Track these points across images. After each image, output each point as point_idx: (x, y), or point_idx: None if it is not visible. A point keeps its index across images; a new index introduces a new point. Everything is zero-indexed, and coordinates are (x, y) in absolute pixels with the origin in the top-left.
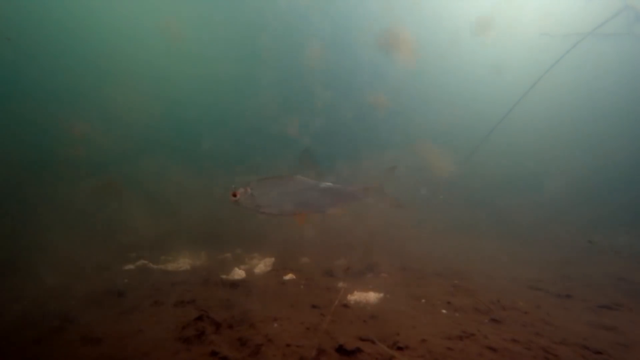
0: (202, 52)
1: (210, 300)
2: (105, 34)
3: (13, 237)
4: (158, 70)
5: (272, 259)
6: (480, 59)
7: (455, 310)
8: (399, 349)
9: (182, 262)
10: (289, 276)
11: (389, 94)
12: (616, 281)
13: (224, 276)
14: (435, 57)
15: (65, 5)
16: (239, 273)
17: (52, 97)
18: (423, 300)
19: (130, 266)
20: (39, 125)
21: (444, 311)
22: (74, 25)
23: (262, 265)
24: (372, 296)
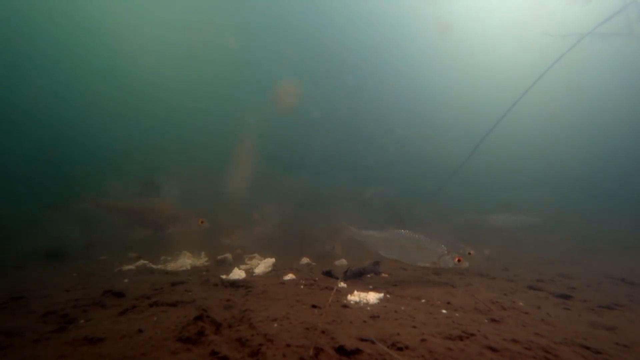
0: None
1: (210, 300)
2: None
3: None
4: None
5: (272, 259)
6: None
7: (455, 310)
8: (399, 349)
9: (182, 262)
10: (289, 276)
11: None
12: (616, 281)
13: (224, 276)
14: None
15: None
16: (239, 273)
17: None
18: (423, 300)
19: (130, 266)
20: None
21: (444, 311)
22: None
23: (262, 265)
24: (372, 296)
